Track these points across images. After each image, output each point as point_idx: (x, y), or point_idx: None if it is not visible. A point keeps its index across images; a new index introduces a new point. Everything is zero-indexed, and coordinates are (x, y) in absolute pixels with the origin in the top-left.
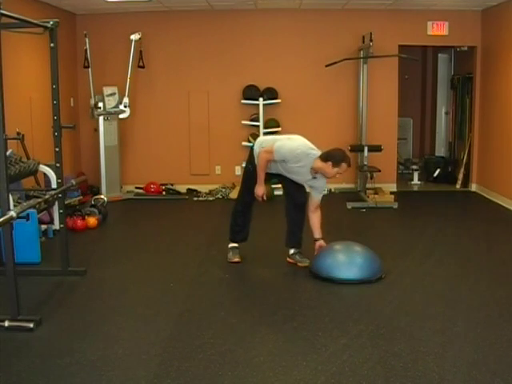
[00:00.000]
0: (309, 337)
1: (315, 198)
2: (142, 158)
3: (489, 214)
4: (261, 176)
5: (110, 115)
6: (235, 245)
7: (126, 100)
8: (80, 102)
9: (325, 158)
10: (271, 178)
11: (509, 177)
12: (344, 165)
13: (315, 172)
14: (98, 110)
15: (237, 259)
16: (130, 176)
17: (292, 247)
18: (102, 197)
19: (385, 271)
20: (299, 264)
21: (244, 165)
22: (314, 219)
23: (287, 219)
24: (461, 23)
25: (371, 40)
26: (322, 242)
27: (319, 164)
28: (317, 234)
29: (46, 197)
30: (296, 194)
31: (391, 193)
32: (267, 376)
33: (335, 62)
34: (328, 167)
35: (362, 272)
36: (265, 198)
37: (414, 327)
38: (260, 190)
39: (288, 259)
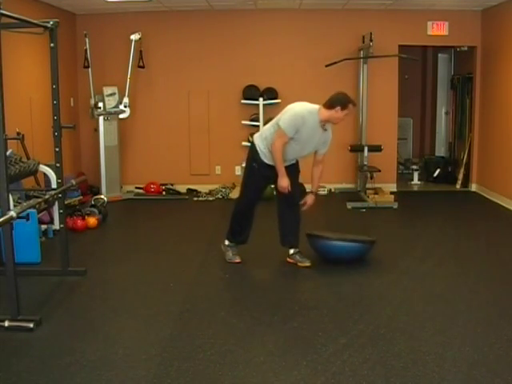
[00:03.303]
0: (309, 337)
1: (320, 153)
2: (142, 158)
3: (489, 213)
4: (281, 167)
5: (110, 115)
6: (232, 243)
7: (126, 100)
8: (80, 102)
9: (330, 104)
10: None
11: (509, 177)
12: (351, 105)
13: (324, 124)
14: (98, 110)
15: (238, 259)
16: (130, 176)
17: (291, 247)
18: (102, 197)
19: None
20: (299, 264)
21: (244, 164)
22: (316, 173)
23: (281, 220)
24: (461, 23)
25: (371, 40)
26: (312, 198)
27: (326, 113)
28: (314, 187)
29: (46, 197)
30: (290, 193)
31: (391, 193)
32: (267, 376)
33: (335, 62)
34: (337, 112)
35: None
36: (290, 188)
37: (414, 327)
38: (285, 181)
39: (288, 259)
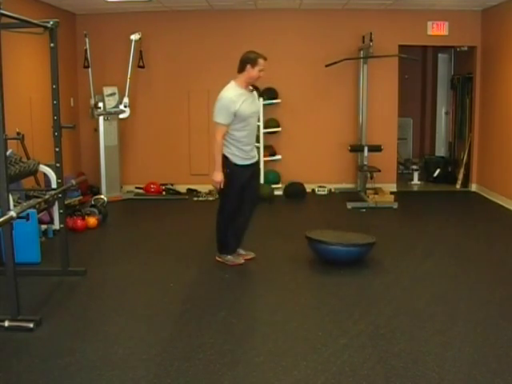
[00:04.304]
0: (309, 337)
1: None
2: (142, 158)
3: (489, 213)
4: (218, 160)
5: (110, 115)
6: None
7: (126, 100)
8: (80, 102)
9: (241, 67)
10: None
11: (509, 177)
12: (261, 60)
13: (247, 87)
14: (98, 110)
15: (242, 260)
16: (130, 176)
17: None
18: (102, 197)
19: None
20: (247, 257)
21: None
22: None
23: (240, 221)
24: (461, 23)
25: (371, 40)
26: None
27: (242, 77)
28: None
29: (46, 197)
30: (255, 191)
31: (391, 193)
32: (267, 376)
33: (335, 62)
34: (249, 72)
35: None
36: (222, 185)
37: (414, 327)
38: (219, 176)
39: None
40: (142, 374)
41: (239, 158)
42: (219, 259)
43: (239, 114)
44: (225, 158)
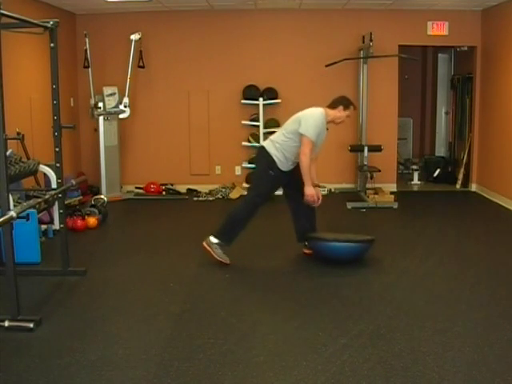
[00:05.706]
0: (309, 337)
1: (317, 151)
2: (142, 158)
3: (489, 213)
4: (309, 177)
5: (110, 115)
6: (221, 243)
7: (125, 100)
8: (80, 102)
9: (335, 104)
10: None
11: (509, 177)
12: (352, 108)
13: (328, 123)
14: (98, 110)
15: (228, 260)
16: (130, 176)
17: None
18: (102, 197)
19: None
20: (308, 252)
21: (255, 166)
22: (314, 169)
23: (299, 217)
24: (461, 23)
25: (371, 40)
26: (318, 190)
27: (331, 112)
28: (316, 180)
29: (46, 197)
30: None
31: (391, 193)
32: (267, 376)
33: (335, 62)
34: (339, 112)
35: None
36: (319, 195)
37: (414, 327)
38: (312, 189)
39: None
40: (142, 374)
41: (284, 165)
42: (207, 247)
43: (317, 138)
44: (272, 162)
